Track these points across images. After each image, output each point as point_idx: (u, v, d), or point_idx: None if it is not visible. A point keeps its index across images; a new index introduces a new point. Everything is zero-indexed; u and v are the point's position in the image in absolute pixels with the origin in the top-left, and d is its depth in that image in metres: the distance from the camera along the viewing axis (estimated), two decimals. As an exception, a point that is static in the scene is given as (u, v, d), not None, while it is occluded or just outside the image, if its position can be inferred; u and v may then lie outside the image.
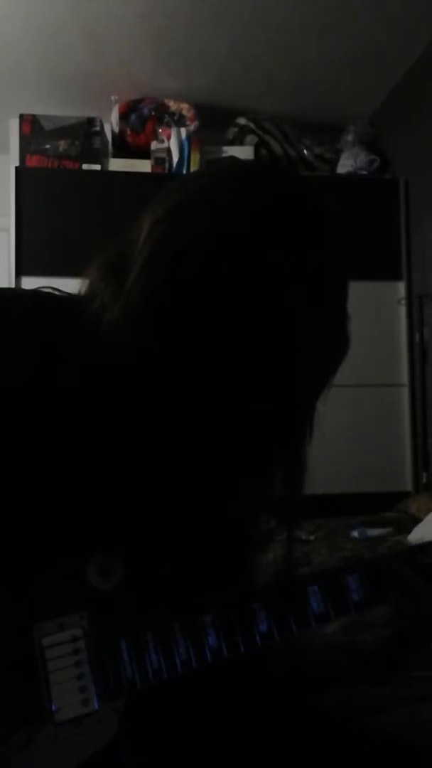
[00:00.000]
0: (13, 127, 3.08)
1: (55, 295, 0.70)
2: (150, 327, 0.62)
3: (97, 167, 3.04)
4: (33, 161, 3.00)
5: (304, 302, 0.64)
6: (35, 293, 0.70)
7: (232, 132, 3.21)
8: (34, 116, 3.03)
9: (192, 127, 3.08)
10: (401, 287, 3.06)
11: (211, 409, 0.65)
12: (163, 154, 3.04)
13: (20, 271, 2.86)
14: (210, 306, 0.62)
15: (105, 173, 3.05)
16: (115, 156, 3.11)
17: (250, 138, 3.16)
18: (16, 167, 2.96)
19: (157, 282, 0.62)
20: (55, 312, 0.67)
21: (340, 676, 0.78)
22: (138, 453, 0.64)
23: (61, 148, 3.01)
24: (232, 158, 2.95)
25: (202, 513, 0.68)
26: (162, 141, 3.04)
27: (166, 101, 3.11)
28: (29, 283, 2.85)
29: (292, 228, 0.65)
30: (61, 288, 0.72)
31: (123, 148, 3.10)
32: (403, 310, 3.04)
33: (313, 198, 0.68)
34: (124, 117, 3.07)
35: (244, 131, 3.18)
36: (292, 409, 0.67)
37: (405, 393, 3.02)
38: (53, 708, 0.59)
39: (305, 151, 3.21)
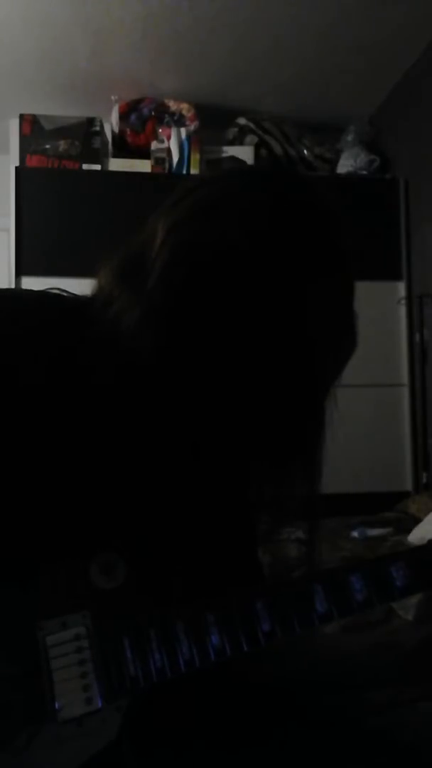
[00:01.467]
0: (13, 127, 3.08)
1: (63, 296, 0.71)
2: (171, 330, 0.62)
3: (97, 167, 3.04)
4: (33, 161, 3.00)
5: (321, 303, 0.66)
6: (44, 294, 0.71)
7: (232, 132, 3.21)
8: (34, 116, 3.03)
9: (192, 127, 3.08)
10: (401, 287, 3.06)
11: (230, 408, 0.65)
12: (163, 154, 3.04)
13: (20, 271, 2.86)
14: (230, 309, 0.63)
15: (105, 173, 3.05)
16: (115, 156, 3.11)
17: (250, 138, 3.16)
18: (16, 167, 2.96)
19: (178, 286, 0.62)
20: (64, 313, 0.67)
21: (380, 678, 0.79)
22: (147, 452, 0.65)
23: (61, 148, 3.01)
24: (239, 161, 2.96)
25: (207, 511, 0.68)
26: (162, 141, 3.04)
27: (166, 101, 3.11)
28: (29, 283, 2.85)
29: (306, 231, 0.66)
30: (62, 288, 0.72)
31: (123, 148, 3.10)
32: (403, 310, 3.04)
33: (323, 200, 0.69)
34: (124, 117, 3.07)
35: (244, 131, 3.18)
36: (309, 407, 0.68)
37: (405, 393, 3.02)
38: (56, 707, 0.59)
39: (305, 151, 3.21)
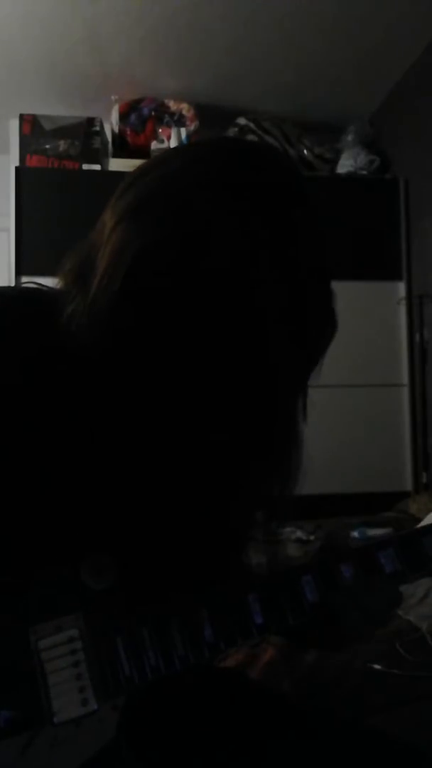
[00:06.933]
0: (13, 127, 3.09)
1: (41, 291, 0.70)
2: (113, 333, 0.61)
3: (97, 167, 3.04)
4: (33, 161, 3.00)
5: (271, 298, 0.62)
6: (21, 291, 0.70)
7: (232, 132, 3.21)
8: (34, 116, 3.03)
9: (192, 127, 3.08)
10: (401, 287, 3.06)
11: (186, 411, 0.63)
12: (163, 154, 3.04)
13: (20, 271, 2.86)
14: (170, 309, 0.61)
15: (105, 173, 3.05)
16: (115, 156, 3.11)
17: (250, 138, 3.16)
18: (16, 167, 2.96)
19: (116, 288, 0.61)
20: (40, 309, 0.66)
21: None
22: (126, 452, 0.64)
23: (61, 148, 3.02)
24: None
25: (192, 509, 0.68)
26: (162, 141, 3.04)
27: (166, 101, 3.11)
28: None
29: (252, 224, 0.62)
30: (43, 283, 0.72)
31: (123, 148, 3.10)
32: (403, 310, 3.04)
33: (278, 187, 0.65)
34: (124, 117, 3.07)
35: (244, 131, 3.18)
36: (271, 401, 0.65)
37: (405, 393, 3.02)
38: (53, 709, 0.59)
39: (305, 151, 3.21)
